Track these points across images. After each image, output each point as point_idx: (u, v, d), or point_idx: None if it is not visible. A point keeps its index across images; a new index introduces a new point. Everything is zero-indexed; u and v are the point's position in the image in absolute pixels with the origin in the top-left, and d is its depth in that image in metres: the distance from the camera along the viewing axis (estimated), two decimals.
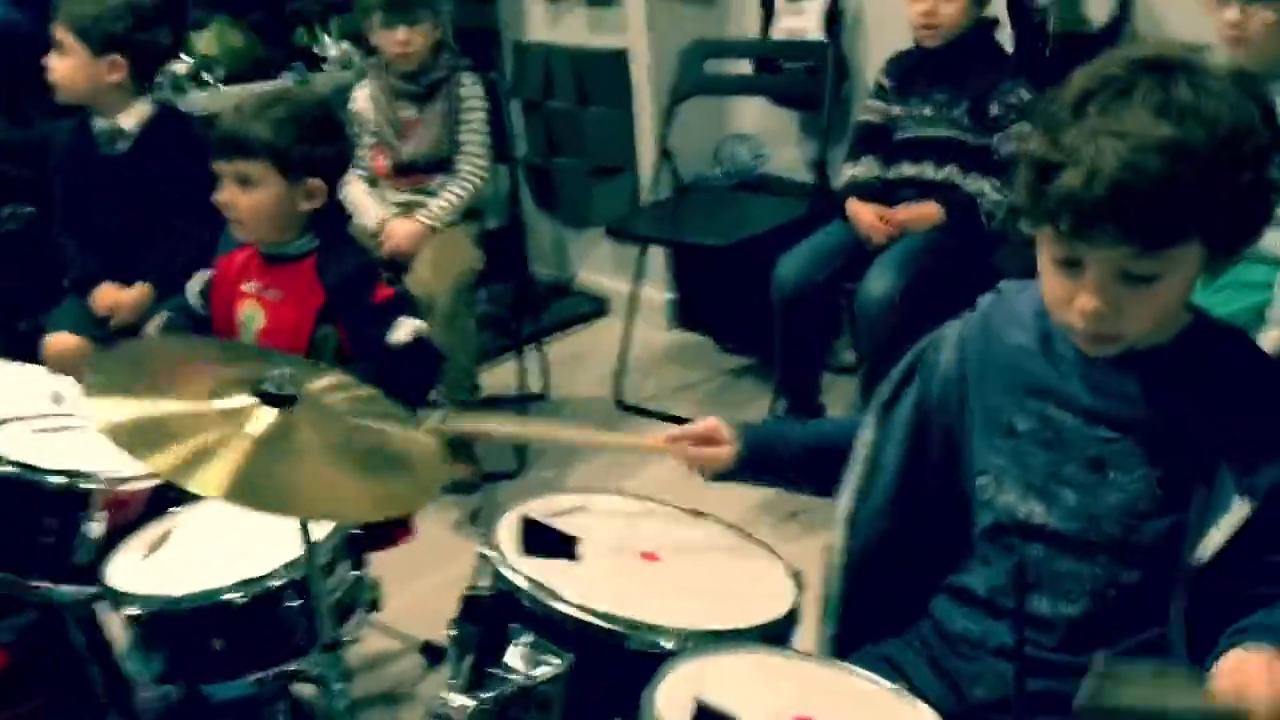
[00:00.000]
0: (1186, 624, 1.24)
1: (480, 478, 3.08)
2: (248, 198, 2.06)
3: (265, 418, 1.39)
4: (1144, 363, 1.27)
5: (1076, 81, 1.20)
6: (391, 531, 2.11)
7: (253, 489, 1.32)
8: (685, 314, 4.03)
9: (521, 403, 3.42)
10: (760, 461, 1.54)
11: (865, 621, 1.46)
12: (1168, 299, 1.21)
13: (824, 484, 1.50)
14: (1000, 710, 1.35)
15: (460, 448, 2.93)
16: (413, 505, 1.47)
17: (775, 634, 1.34)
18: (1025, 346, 1.36)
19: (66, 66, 2.79)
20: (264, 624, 1.64)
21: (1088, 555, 1.30)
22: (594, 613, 1.27)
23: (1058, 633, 1.32)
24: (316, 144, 2.08)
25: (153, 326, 2.24)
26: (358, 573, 1.78)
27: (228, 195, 2.08)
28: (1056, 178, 1.15)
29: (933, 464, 1.43)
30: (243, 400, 1.42)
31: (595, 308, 4.20)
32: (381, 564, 1.85)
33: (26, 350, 2.49)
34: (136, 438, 1.33)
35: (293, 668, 1.67)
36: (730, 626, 1.31)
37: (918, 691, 1.27)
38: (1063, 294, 1.22)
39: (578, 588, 1.30)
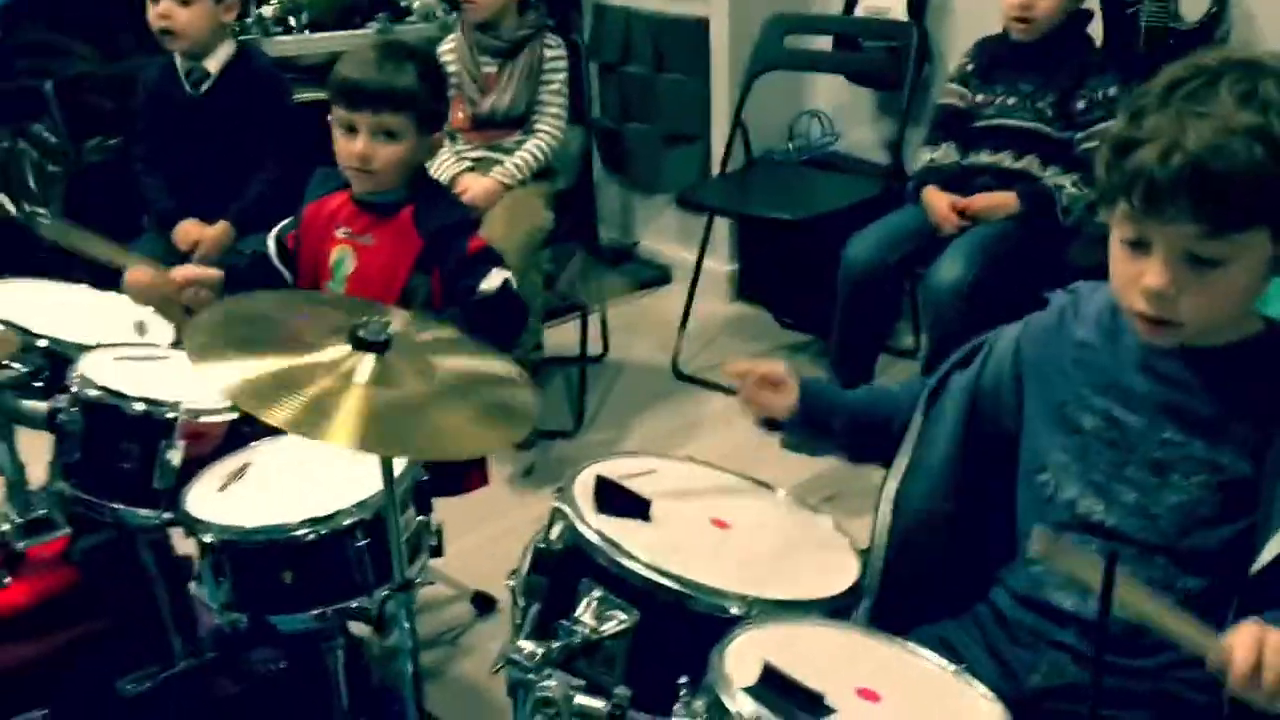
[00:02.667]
0: None
1: (535, 434, 3.11)
2: (387, 150, 2.02)
3: (366, 364, 1.41)
4: (1210, 359, 1.27)
5: (1166, 72, 1.22)
6: (465, 478, 2.14)
7: (376, 434, 1.34)
8: (747, 287, 4.03)
9: (581, 364, 3.44)
10: (814, 419, 1.53)
11: (903, 602, 1.46)
12: (1231, 289, 1.21)
13: (867, 455, 1.51)
14: (1056, 698, 1.36)
15: None
16: (516, 434, 1.48)
17: (839, 608, 1.35)
18: (1091, 342, 1.36)
19: (191, 15, 2.85)
20: (331, 561, 1.67)
21: (1145, 557, 1.30)
22: (663, 573, 1.29)
23: (1115, 632, 1.31)
24: (442, 98, 2.07)
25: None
26: (424, 518, 1.82)
27: (365, 146, 2.02)
28: (1135, 153, 1.17)
29: (983, 453, 1.44)
30: (340, 350, 1.44)
31: (659, 275, 4.21)
32: (438, 514, 1.87)
33: (109, 280, 2.54)
34: (255, 397, 1.35)
35: (355, 604, 1.71)
36: (796, 597, 1.32)
37: (975, 673, 1.28)
38: (1128, 275, 1.23)
39: (649, 548, 1.32)
